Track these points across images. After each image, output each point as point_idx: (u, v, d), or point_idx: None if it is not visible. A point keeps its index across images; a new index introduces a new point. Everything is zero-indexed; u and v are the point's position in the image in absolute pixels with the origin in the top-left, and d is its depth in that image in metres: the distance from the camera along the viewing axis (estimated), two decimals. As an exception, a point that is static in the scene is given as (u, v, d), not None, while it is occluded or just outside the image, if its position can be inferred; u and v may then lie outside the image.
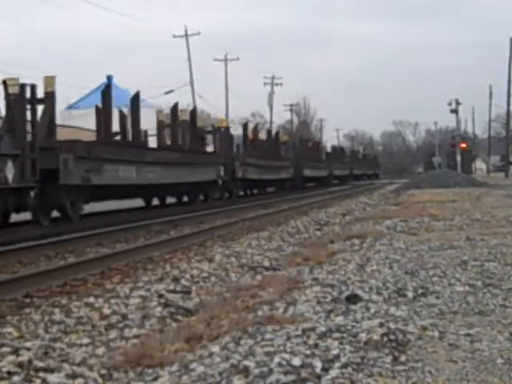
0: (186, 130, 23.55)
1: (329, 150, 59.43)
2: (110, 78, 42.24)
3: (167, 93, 52.23)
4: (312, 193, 36.05)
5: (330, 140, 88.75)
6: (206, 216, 19.02)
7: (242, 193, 31.38)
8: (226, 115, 58.56)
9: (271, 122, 76.94)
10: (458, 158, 61.42)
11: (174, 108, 23.09)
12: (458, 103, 63.77)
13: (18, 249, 11.52)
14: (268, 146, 35.41)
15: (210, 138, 27.72)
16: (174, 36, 55.66)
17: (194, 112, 25.44)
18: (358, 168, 66.76)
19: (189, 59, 54.96)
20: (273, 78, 75.62)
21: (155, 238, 13.87)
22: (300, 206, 23.39)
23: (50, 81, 14.86)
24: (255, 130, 35.17)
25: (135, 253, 10.79)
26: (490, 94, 71.86)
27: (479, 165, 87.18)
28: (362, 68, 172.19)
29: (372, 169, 79.27)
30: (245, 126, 34.37)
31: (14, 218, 14.55)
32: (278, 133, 40.54)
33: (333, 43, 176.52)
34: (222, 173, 25.73)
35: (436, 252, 9.28)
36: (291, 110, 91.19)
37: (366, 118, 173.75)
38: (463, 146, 62.15)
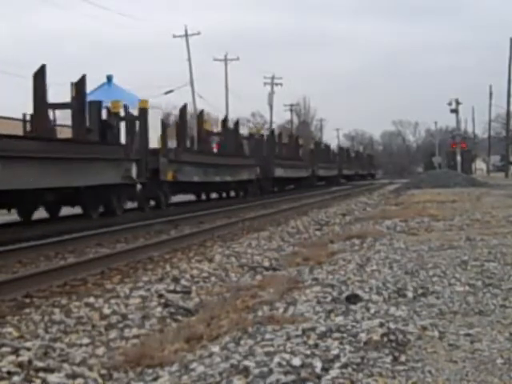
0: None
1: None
2: (110, 78, 42.31)
3: (167, 93, 52.32)
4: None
5: (330, 140, 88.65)
6: (206, 216, 19.01)
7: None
8: (226, 115, 58.60)
9: (271, 122, 76.94)
10: (458, 158, 61.44)
11: (224, 120, 30.24)
12: (457, 103, 63.86)
13: (17, 249, 11.52)
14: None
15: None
16: (174, 36, 55.68)
17: (237, 123, 31.48)
18: (348, 168, 61.52)
19: (189, 59, 54.96)
20: (273, 78, 75.65)
21: (155, 237, 13.86)
22: (300, 206, 23.38)
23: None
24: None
25: (135, 253, 10.79)
26: (490, 94, 71.94)
27: (479, 165, 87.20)
28: (361, 68, 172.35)
29: (366, 169, 74.95)
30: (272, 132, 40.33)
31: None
32: (237, 122, 32.85)
33: (333, 43, 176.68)
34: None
35: (436, 252, 9.28)
36: (291, 110, 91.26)
37: (365, 118, 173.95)
38: (463, 146, 62.21)
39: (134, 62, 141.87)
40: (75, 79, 17.03)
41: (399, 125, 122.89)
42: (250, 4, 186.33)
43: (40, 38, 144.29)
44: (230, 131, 30.19)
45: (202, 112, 29.44)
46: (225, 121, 31.12)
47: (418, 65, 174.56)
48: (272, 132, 41.29)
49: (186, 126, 25.40)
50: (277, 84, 75.92)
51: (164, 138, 21.91)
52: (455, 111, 64.34)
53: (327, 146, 59.29)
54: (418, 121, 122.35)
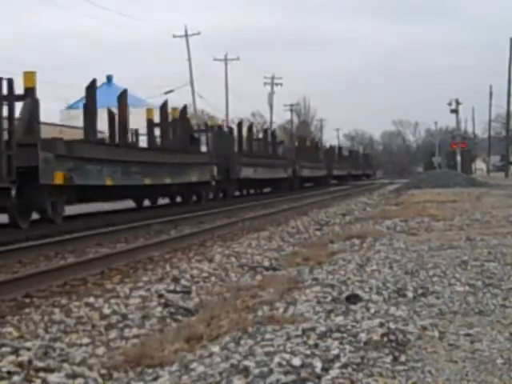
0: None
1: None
2: (110, 78, 42.32)
3: (167, 93, 52.16)
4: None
5: (330, 140, 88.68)
6: (206, 216, 19.02)
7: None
8: (226, 115, 58.62)
9: (271, 122, 76.97)
10: (458, 158, 61.43)
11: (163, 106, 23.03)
12: (457, 103, 63.85)
13: (17, 249, 11.52)
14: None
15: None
16: (174, 36, 55.76)
17: (184, 110, 24.45)
18: (340, 168, 56.16)
19: (189, 59, 55.03)
20: (273, 78, 75.70)
21: (155, 237, 13.87)
22: (300, 206, 23.38)
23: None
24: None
25: (135, 253, 10.79)
26: (490, 94, 71.99)
27: (479, 165, 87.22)
28: (361, 68, 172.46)
29: (361, 169, 70.66)
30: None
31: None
32: (183, 109, 25.45)
33: (333, 43, 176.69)
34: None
35: (436, 252, 9.28)
36: (291, 110, 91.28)
37: (365, 118, 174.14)
38: (463, 146, 62.21)
39: (133, 61, 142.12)
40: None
41: (399, 125, 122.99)
42: (249, 4, 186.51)
43: (40, 38, 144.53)
44: (177, 121, 23.73)
45: (124, 92, 20.33)
46: (163, 106, 23.23)
47: (417, 65, 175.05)
48: (239, 123, 34.82)
49: (126, 115, 19.57)
50: (277, 84, 76.01)
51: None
52: (455, 111, 64.34)
53: (315, 143, 53.97)
54: (418, 121, 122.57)
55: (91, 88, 17.34)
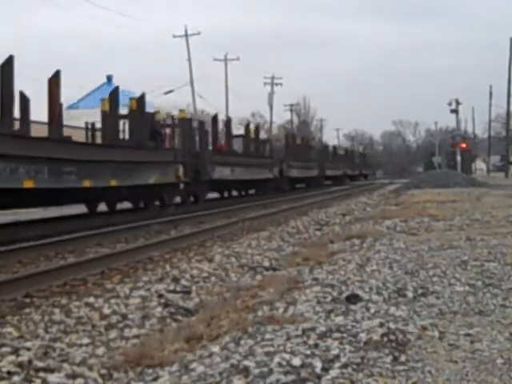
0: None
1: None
2: (110, 78, 42.26)
3: (167, 93, 52.28)
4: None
5: (330, 140, 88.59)
6: (206, 216, 19.02)
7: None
8: (226, 115, 58.60)
9: (271, 122, 76.95)
10: (458, 158, 61.45)
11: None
12: (457, 103, 63.84)
13: (17, 249, 11.52)
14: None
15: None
16: (174, 36, 55.70)
17: (116, 91, 19.10)
18: (333, 168, 52.01)
19: (189, 59, 54.97)
20: (273, 78, 75.60)
21: (155, 238, 13.86)
22: (300, 206, 23.39)
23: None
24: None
25: (135, 253, 10.79)
26: (490, 93, 71.92)
27: (479, 165, 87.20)
28: (362, 68, 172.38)
29: (357, 169, 66.91)
30: None
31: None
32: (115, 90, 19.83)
33: (333, 43, 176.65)
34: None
35: (436, 252, 9.28)
36: (291, 110, 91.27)
37: (366, 118, 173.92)
38: (463, 146, 62.20)
39: (133, 61, 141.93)
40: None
41: (399, 125, 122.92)
42: (249, 4, 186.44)
43: (40, 38, 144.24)
44: (133, 113, 19.92)
45: (57, 72, 15.57)
46: (112, 94, 18.84)
47: (418, 65, 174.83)
48: (214, 116, 29.94)
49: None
50: (277, 84, 75.88)
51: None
52: (455, 111, 64.33)
53: (306, 141, 48.44)
54: (418, 121, 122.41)
55: (7, 65, 13.79)
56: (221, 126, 31.75)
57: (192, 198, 24.09)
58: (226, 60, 63.42)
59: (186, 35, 55.19)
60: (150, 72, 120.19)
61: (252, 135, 33.38)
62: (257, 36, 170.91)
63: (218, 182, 26.18)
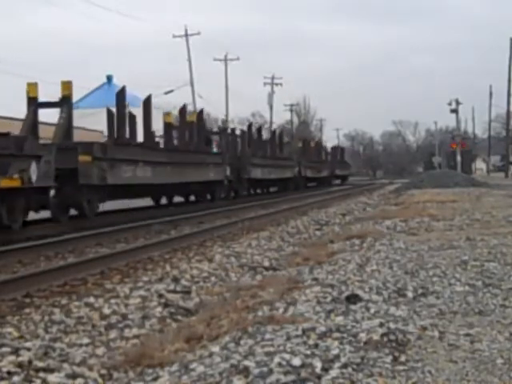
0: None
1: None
2: (110, 78, 42.27)
3: (167, 93, 52.33)
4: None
5: (330, 140, 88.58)
6: (206, 216, 19.01)
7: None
8: (226, 115, 58.61)
9: (271, 122, 76.99)
10: (458, 158, 61.40)
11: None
12: (458, 103, 63.83)
13: (17, 249, 11.51)
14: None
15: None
16: (174, 36, 55.77)
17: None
18: (310, 168, 43.79)
19: (189, 59, 55.05)
20: (273, 78, 75.71)
21: (155, 238, 13.86)
22: (300, 206, 23.39)
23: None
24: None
25: (135, 253, 10.79)
26: (490, 93, 71.96)
27: (479, 165, 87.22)
28: (361, 68, 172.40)
29: (329, 169, 51.83)
30: None
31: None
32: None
33: (333, 43, 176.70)
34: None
35: (436, 252, 9.28)
36: (291, 110, 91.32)
37: (365, 118, 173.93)
38: (463, 146, 62.19)
39: (133, 61, 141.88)
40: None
41: (399, 125, 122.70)
42: (250, 4, 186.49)
43: (40, 38, 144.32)
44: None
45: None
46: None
47: (418, 65, 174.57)
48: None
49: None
50: (277, 84, 76.02)
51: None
52: (455, 111, 64.32)
53: (280, 135, 42.75)
54: (418, 121, 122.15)
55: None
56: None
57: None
58: (226, 60, 63.51)
59: (186, 35, 55.26)
60: (150, 72, 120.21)
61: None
62: (257, 36, 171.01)
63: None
